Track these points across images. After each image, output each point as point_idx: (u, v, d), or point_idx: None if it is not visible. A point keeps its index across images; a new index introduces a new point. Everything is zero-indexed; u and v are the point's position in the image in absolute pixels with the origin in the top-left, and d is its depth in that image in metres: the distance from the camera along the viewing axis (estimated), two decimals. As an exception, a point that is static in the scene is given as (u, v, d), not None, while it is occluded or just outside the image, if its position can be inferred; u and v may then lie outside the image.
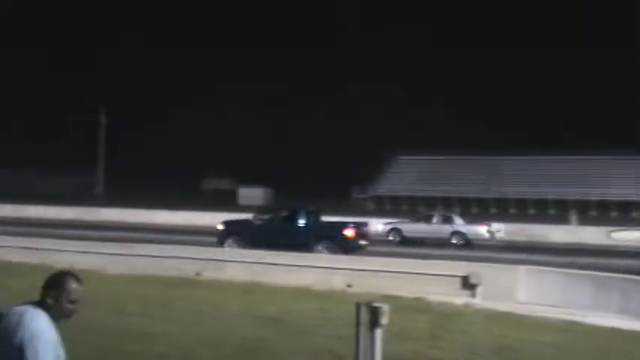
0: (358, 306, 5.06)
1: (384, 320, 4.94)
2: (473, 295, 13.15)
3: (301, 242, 20.35)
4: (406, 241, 28.08)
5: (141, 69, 79.93)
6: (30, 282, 3.37)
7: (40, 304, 3.03)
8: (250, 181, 68.26)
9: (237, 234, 22.23)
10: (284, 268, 15.07)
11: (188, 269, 15.51)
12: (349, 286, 13.86)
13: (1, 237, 19.72)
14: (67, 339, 3.05)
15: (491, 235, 28.38)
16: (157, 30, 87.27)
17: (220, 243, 21.80)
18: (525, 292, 13.40)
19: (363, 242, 21.96)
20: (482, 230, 28.27)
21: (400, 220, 31.21)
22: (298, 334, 9.40)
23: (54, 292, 3.03)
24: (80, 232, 24.99)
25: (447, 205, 56.86)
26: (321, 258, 16.40)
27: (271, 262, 15.51)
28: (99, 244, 18.72)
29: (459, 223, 28.68)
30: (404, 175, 66.16)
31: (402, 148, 65.46)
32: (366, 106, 77.03)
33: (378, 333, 4.98)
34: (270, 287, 13.70)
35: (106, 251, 17.32)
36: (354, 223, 23.26)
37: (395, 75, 74.92)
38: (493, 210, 56.81)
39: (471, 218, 33.20)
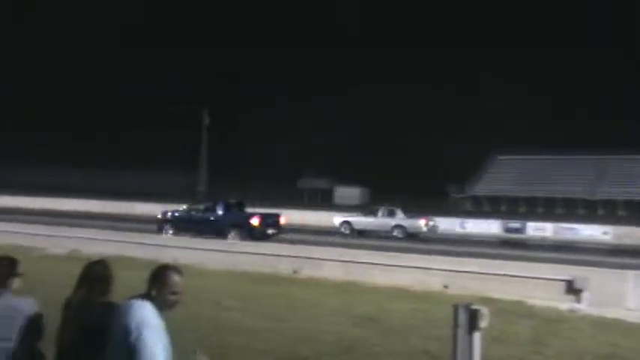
0: (456, 308, 4.91)
1: (484, 323, 4.76)
2: (578, 301, 12.46)
3: (217, 230, 23.31)
4: (355, 233, 30.12)
5: (241, 69, 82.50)
6: (141, 275, 3.54)
7: (146, 295, 3.18)
8: (348, 181, 68.47)
9: (171, 222, 25.33)
10: (380, 268, 14.97)
11: (285, 267, 15.78)
12: (446, 287, 13.57)
13: (116, 233, 20.96)
14: (169, 329, 3.17)
15: (429, 229, 29.98)
16: (258, 31, 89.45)
17: (159, 230, 24.85)
18: (635, 299, 12.53)
19: (270, 231, 24.51)
20: (421, 224, 29.73)
21: (352, 214, 32.97)
22: (394, 334, 9.31)
23: (158, 284, 3.19)
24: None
25: (550, 207, 54.51)
26: (418, 258, 16.14)
27: (367, 261, 15.46)
28: (199, 240, 19.46)
29: (400, 217, 30.03)
30: (503, 175, 64.10)
31: (501, 147, 63.35)
32: (465, 105, 75.16)
33: (477, 336, 4.82)
34: (367, 287, 13.66)
35: (206, 247, 18.00)
36: (264, 213, 25.74)
37: (495, 72, 72.53)
38: (601, 212, 53.81)
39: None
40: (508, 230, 37.08)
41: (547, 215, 47.00)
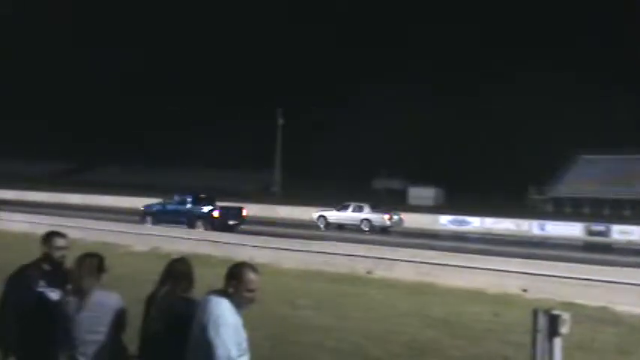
0: (535, 312, 4.74)
1: (565, 329, 4.57)
2: (666, 309, 11.76)
3: (188, 221, 26.41)
4: (329, 226, 32.91)
5: (315, 69, 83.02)
6: (216, 272, 3.62)
7: (223, 292, 3.25)
8: (423, 182, 67.58)
9: (150, 214, 28.40)
10: (455, 269, 14.67)
11: (359, 267, 15.75)
12: (524, 290, 13.11)
13: (193, 231, 21.63)
14: (245, 326, 3.23)
15: (393, 223, 32.36)
16: (330, 31, 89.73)
17: (141, 220, 27.45)
18: None
19: (231, 222, 27.27)
20: (385, 218, 32.15)
21: (327, 208, 34.51)
22: (469, 338, 9.11)
23: (234, 281, 3.25)
24: (258, 228, 26.45)
25: (637, 209, 51.75)
26: (494, 260, 15.72)
27: (442, 262, 15.20)
28: (276, 239, 19.72)
29: (367, 212, 32.43)
30: (587, 176, 61.22)
31: (584, 146, 60.69)
32: (545, 103, 72.50)
33: (558, 342, 4.63)
34: (442, 288, 13.43)
35: (281, 246, 18.23)
36: (226, 207, 29.20)
37: (577, 70, 69.54)
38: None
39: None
40: (591, 233, 35.52)
41: (634, 218, 44.55)
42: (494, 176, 60.84)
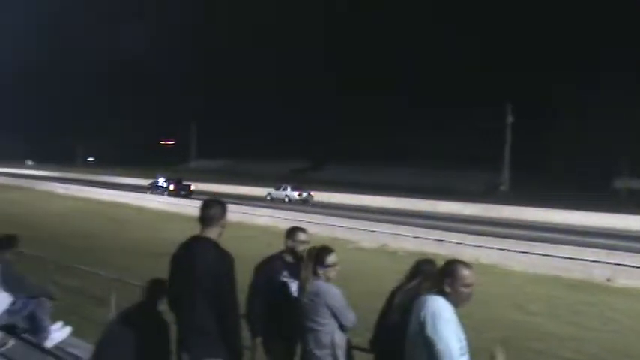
0: None
1: None
2: None
3: (161, 191, 43.45)
4: (271, 200, 42.31)
5: (545, 65, 78.10)
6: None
7: (439, 291, 3.26)
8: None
9: (149, 188, 45.62)
10: None
11: (597, 273, 14.50)
12: None
13: (419, 229, 21.82)
14: (468, 328, 3.20)
15: (302, 198, 41.68)
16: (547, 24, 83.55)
17: (150, 191, 44.49)
18: None
19: (182, 193, 43.14)
20: (295, 194, 42.05)
21: (272, 188, 44.61)
22: None
23: (449, 279, 3.23)
24: (483, 228, 25.70)
25: None
26: None
27: None
28: (501, 240, 19.02)
29: (288, 191, 42.76)
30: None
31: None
32: None
33: None
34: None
35: (508, 248, 17.53)
36: (181, 184, 44.93)
37: None
38: None
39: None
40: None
41: None
42: None
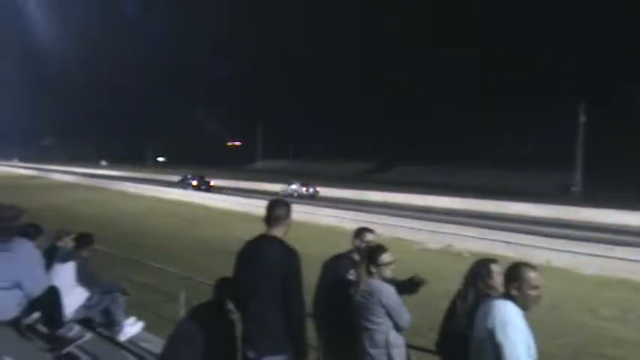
0: None
1: None
2: None
3: (186, 186, 49.73)
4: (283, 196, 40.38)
5: (619, 63, 74.89)
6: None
7: (506, 295, 3.19)
8: None
9: (180, 182, 53.39)
10: None
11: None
12: None
13: (487, 231, 21.36)
14: (538, 332, 3.13)
15: (309, 193, 44.63)
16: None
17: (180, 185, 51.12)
18: None
19: (203, 187, 49.41)
20: (303, 189, 45.18)
21: (290, 184, 47.70)
22: None
23: (515, 282, 3.16)
24: (555, 230, 24.90)
25: None
26: None
27: None
28: (575, 243, 18.34)
29: (296, 186, 46.02)
30: None
31: None
32: None
33: None
34: None
35: (581, 251, 16.90)
36: (202, 180, 51.56)
37: None
38: None
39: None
40: None
41: None
42: None
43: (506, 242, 18.80)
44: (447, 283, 3.81)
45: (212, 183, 51.54)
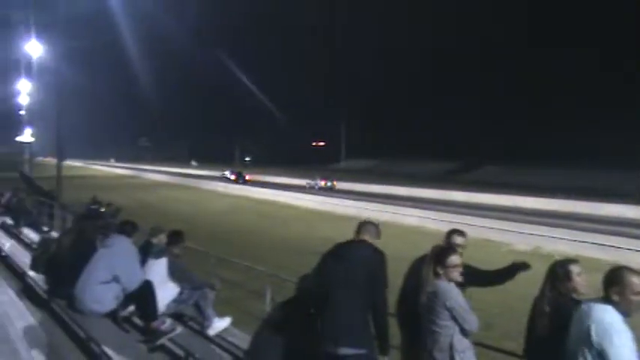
0: None
1: None
2: None
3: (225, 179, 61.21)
4: (309, 189, 48.81)
5: None
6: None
7: (606, 299, 3.08)
8: None
9: (219, 178, 64.09)
10: None
11: None
12: None
13: (578, 233, 20.52)
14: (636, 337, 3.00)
15: (327, 185, 51.64)
16: None
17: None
18: None
19: (240, 181, 58.50)
20: (322, 183, 52.06)
21: (313, 179, 53.68)
22: None
23: (617, 287, 3.04)
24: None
25: None
26: None
27: None
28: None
29: (318, 181, 52.45)
30: None
31: None
32: None
33: None
34: None
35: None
36: (239, 174, 61.99)
37: None
38: None
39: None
40: None
41: None
42: None
43: (599, 245, 17.96)
44: (537, 286, 3.70)
45: (248, 177, 61.85)
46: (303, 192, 42.88)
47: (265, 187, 47.75)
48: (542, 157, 76.10)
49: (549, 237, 19.97)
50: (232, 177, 61.54)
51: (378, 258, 3.72)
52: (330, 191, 47.28)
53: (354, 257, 3.73)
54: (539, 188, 47.19)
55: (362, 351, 3.54)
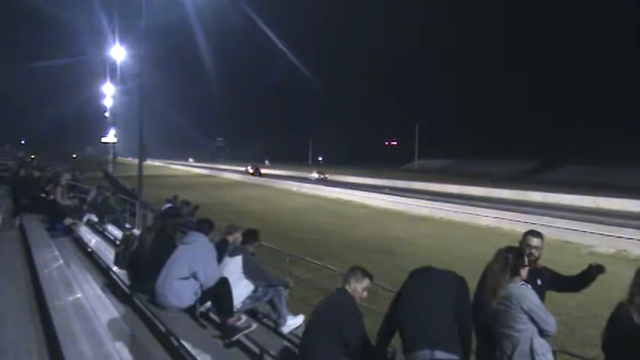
0: None
1: None
2: None
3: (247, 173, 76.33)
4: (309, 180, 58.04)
5: None
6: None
7: None
8: None
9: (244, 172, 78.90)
10: None
11: None
12: None
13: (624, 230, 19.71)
14: None
15: (321, 177, 64.15)
16: None
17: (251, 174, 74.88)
18: None
19: (256, 174, 73.76)
20: (316, 175, 65.99)
21: (316, 172, 68.00)
22: None
23: None
24: None
25: None
26: None
27: None
28: None
29: (314, 173, 67.09)
30: None
31: None
32: None
33: None
34: None
35: None
36: (257, 168, 77.49)
37: None
38: None
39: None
40: None
41: None
42: None
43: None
44: (619, 290, 3.55)
45: (263, 171, 75.47)
46: (376, 192, 42.57)
47: (337, 187, 47.80)
48: (624, 156, 72.65)
49: (636, 240, 19.00)
50: (251, 170, 75.80)
51: (464, 281, 3.82)
52: (323, 182, 55.88)
53: (443, 277, 3.84)
54: (621, 188, 45.02)
55: (455, 357, 3.50)
